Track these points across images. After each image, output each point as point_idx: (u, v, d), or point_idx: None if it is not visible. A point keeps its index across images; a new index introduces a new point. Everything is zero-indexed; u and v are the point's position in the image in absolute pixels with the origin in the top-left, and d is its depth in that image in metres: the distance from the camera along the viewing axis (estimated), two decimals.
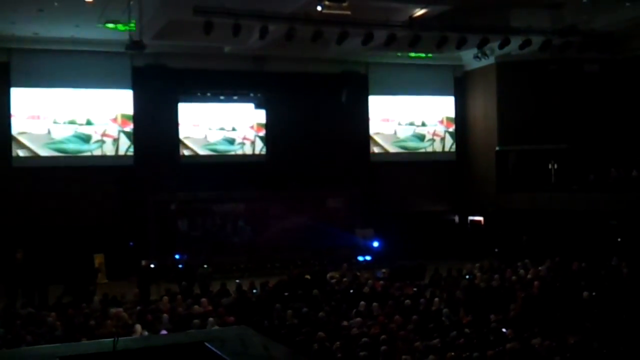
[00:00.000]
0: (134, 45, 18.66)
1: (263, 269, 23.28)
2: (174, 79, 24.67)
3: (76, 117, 24.36)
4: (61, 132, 24.17)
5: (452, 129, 29.38)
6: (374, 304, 15.51)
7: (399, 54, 25.85)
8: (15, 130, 23.65)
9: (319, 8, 18.58)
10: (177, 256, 23.11)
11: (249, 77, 25.88)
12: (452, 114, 29.37)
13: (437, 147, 29.18)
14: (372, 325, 14.01)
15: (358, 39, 20.99)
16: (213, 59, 24.97)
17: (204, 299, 16.11)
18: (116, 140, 24.79)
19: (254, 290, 17.68)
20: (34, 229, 22.39)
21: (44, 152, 23.89)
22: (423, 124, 28.96)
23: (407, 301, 15.82)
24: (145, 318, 14.50)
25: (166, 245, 23.74)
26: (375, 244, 25.51)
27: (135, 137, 24.92)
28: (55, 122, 24.08)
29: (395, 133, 28.54)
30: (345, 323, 14.15)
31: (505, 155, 27.46)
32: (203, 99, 26.00)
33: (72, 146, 24.27)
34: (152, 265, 20.64)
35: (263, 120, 26.59)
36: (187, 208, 25.74)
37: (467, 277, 18.79)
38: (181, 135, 25.70)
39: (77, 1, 19.20)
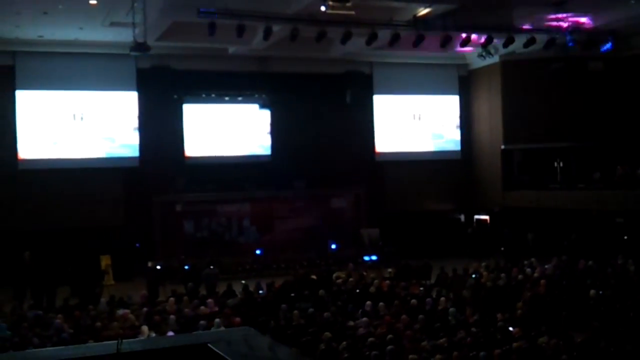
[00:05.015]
0: (139, 47, 18.70)
1: (269, 269, 23.25)
2: (178, 80, 24.72)
3: (81, 119, 24.41)
4: (66, 134, 24.22)
5: (457, 127, 29.33)
6: (380, 303, 15.48)
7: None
8: (20, 132, 23.72)
9: (322, 8, 18.57)
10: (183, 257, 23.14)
11: (254, 78, 25.90)
12: (457, 113, 29.33)
13: (443, 146, 29.13)
14: (379, 325, 13.99)
15: (362, 38, 21.00)
16: (217, 60, 25.02)
17: (210, 300, 16.13)
18: (121, 142, 24.81)
19: (260, 291, 17.68)
20: (40, 231, 22.44)
21: (49, 154, 23.94)
22: (428, 123, 28.92)
23: (414, 301, 15.78)
24: (152, 319, 14.52)
25: (172, 247, 23.78)
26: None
27: (141, 139, 24.96)
28: (60, 124, 24.13)
29: (400, 132, 28.50)
30: (351, 323, 14.13)
31: (510, 153, 27.44)
32: (208, 100, 26.07)
33: (78, 148, 24.31)
34: (158, 267, 20.66)
35: (268, 120, 26.60)
36: (193, 209, 25.76)
37: (474, 276, 18.73)
38: (186, 137, 25.73)
39: (81, 3, 19.24)
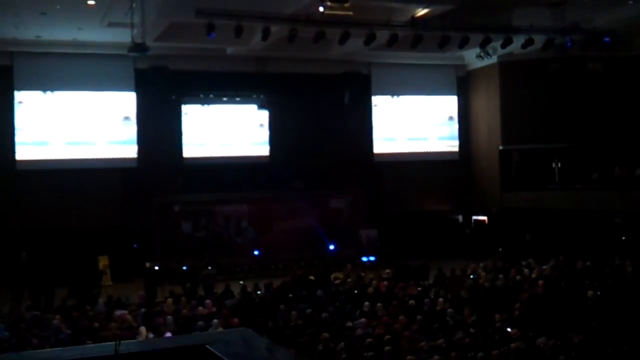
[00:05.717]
0: (137, 47, 18.66)
1: (267, 270, 23.22)
2: (176, 80, 24.69)
3: (79, 120, 24.39)
4: (64, 135, 24.19)
5: (455, 128, 29.34)
6: (378, 304, 15.50)
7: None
8: (18, 133, 23.69)
9: (321, 9, 18.56)
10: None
11: (252, 79, 25.89)
12: (455, 114, 29.33)
13: (441, 146, 29.13)
14: (377, 325, 14.00)
15: (360, 39, 20.98)
16: (215, 60, 24.98)
17: (208, 301, 16.13)
18: (119, 143, 24.80)
19: (258, 292, 17.68)
20: (38, 232, 22.41)
21: (47, 155, 23.91)
22: (426, 124, 28.91)
23: (412, 301, 15.81)
24: (151, 321, 14.51)
25: (170, 247, 23.76)
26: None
27: (139, 139, 24.95)
28: (58, 125, 24.11)
29: (398, 133, 28.49)
30: (349, 324, 14.14)
31: (508, 154, 27.43)
32: (206, 100, 26.04)
33: (76, 149, 24.29)
34: (156, 267, 20.65)
35: (266, 121, 26.59)
36: (191, 209, 25.78)
37: (472, 276, 18.76)
38: (184, 137, 25.72)
39: (80, 4, 19.25)
